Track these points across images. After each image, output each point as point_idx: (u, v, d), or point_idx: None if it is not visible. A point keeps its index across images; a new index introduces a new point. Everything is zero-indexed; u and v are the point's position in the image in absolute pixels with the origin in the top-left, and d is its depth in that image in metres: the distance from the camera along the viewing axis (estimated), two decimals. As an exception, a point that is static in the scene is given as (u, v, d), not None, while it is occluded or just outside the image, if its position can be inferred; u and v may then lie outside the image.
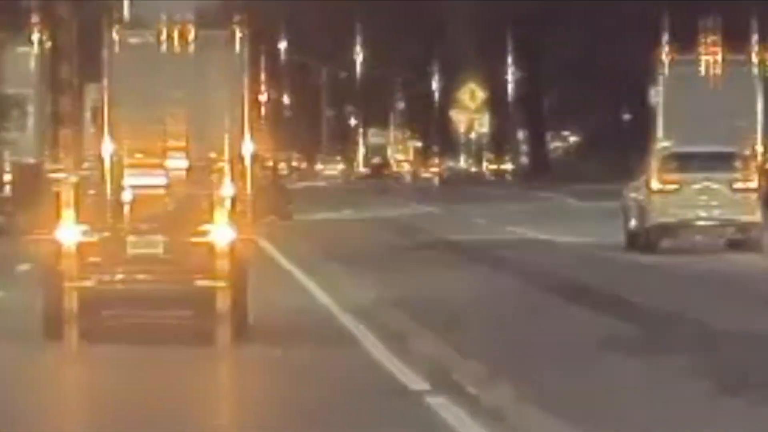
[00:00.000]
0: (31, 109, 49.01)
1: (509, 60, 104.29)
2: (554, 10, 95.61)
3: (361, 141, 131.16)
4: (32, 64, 51.16)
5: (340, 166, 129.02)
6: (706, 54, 53.35)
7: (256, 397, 17.60)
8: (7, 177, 46.52)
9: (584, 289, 31.90)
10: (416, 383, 18.56)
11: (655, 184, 44.36)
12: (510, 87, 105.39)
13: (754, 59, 53.58)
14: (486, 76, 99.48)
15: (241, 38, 42.02)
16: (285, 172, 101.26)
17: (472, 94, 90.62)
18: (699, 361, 20.08)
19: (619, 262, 40.78)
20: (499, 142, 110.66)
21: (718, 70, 53.22)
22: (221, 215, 20.49)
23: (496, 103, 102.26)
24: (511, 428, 15.79)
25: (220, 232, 20.42)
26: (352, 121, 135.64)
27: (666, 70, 53.71)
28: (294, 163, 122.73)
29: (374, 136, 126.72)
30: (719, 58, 53.26)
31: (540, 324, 25.80)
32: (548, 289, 31.87)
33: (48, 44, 53.33)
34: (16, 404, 16.41)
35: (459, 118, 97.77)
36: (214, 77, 40.71)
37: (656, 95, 59.66)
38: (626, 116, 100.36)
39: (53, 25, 55.35)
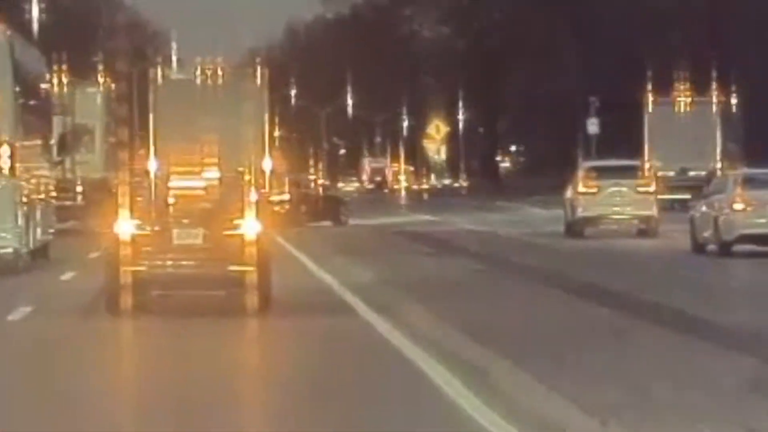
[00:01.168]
0: (97, 135, 48.72)
1: (460, 103, 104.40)
2: (509, 59, 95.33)
3: (366, 164, 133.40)
4: (98, 101, 50.94)
5: (356, 183, 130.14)
6: (680, 96, 59.24)
7: (277, 355, 18.03)
8: (79, 189, 46.31)
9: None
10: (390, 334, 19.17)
11: (580, 188, 46.58)
12: (461, 122, 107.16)
13: (714, 100, 59.60)
14: (447, 114, 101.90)
15: (261, 75, 41.79)
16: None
17: (437, 129, 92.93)
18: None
19: (556, 245, 43.49)
20: (456, 164, 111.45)
21: (688, 108, 58.82)
22: (249, 214, 20.58)
23: (453, 134, 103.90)
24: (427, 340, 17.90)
25: (248, 227, 20.42)
26: (341, 151, 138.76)
27: (650, 108, 59.54)
28: (320, 180, 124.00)
29: (375, 162, 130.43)
30: (688, 99, 59.15)
31: (482, 287, 27.37)
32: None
33: (110, 86, 53.19)
34: (81, 362, 16.64)
35: (429, 147, 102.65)
36: (239, 107, 40.49)
37: (592, 125, 65.39)
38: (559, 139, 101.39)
39: (114, 72, 55.55)
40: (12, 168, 29.84)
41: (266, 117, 42.57)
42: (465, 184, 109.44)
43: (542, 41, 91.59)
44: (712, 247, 35.70)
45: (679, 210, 52.12)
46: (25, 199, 30.58)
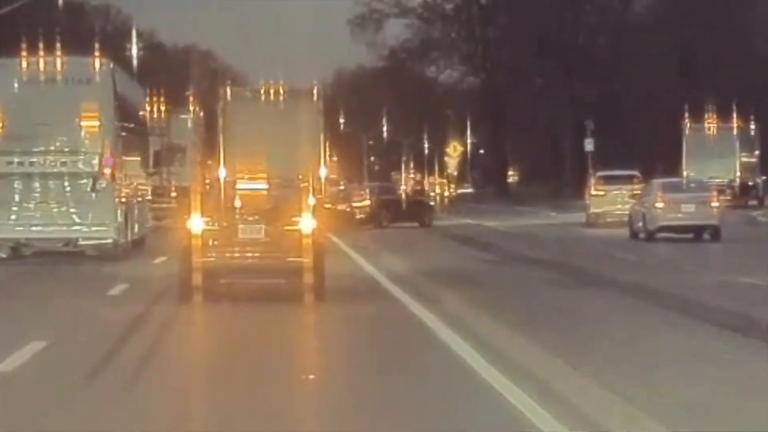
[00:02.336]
0: (188, 152, 48.16)
1: (468, 130, 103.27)
2: (513, 93, 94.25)
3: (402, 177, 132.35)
4: (189, 125, 50.51)
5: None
6: (709, 123, 61.12)
7: (330, 336, 16.83)
8: (173, 194, 45.81)
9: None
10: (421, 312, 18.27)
11: (593, 192, 49.16)
12: (472, 143, 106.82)
13: (735, 126, 61.83)
14: (461, 137, 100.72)
15: (318, 94, 39.46)
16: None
17: (454, 148, 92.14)
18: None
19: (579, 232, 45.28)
20: (464, 176, 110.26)
21: (715, 132, 60.97)
22: (305, 213, 19.37)
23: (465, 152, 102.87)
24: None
25: (305, 224, 19.15)
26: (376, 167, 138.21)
27: (687, 132, 61.37)
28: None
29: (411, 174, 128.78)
30: (714, 125, 61.09)
31: (501, 276, 26.04)
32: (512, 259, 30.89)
33: (199, 113, 52.88)
34: (158, 341, 15.62)
35: (449, 162, 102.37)
36: (298, 121, 38.05)
37: (588, 145, 66.18)
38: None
39: (202, 101, 55.19)
40: (113, 175, 29.02)
41: (322, 131, 40.04)
42: (473, 191, 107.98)
43: (539, 79, 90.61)
44: (641, 234, 37.74)
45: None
46: (123, 200, 29.99)
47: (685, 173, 56.78)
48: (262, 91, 38.68)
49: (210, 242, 19.14)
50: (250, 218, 19.50)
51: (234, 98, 39.45)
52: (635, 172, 50.42)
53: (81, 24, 76.95)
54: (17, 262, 28.50)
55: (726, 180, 58.18)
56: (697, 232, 36.94)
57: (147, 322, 17.36)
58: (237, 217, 19.62)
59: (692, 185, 40.85)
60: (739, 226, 44.24)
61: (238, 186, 20.73)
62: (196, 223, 19.19)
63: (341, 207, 49.27)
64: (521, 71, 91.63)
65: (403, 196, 53.86)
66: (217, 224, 19.39)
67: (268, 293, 19.87)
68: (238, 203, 20.04)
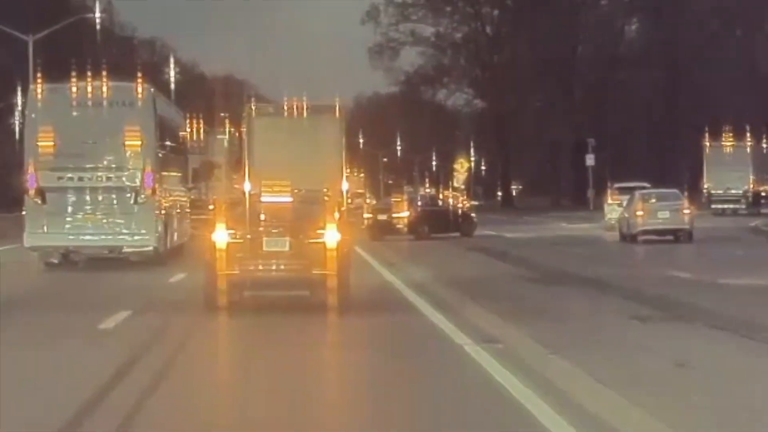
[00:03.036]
0: (223, 169, 47.86)
1: (471, 148, 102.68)
2: (516, 113, 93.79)
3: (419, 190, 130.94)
4: (225, 144, 50.22)
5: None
6: (726, 142, 62.58)
7: (354, 345, 15.18)
8: (211, 207, 45.70)
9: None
10: (429, 310, 17.66)
11: (609, 201, 49.81)
12: (481, 161, 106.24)
13: (748, 142, 63.11)
14: (467, 154, 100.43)
15: (339, 111, 37.41)
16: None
17: (461, 164, 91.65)
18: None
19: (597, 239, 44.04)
20: (469, 189, 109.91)
21: (731, 149, 62.44)
22: (330, 225, 17.56)
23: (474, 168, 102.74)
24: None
25: (329, 237, 17.42)
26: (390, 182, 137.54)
27: (707, 150, 63.17)
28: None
29: (426, 188, 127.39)
30: (730, 143, 62.58)
31: (513, 285, 23.43)
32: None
33: (234, 133, 52.70)
34: (184, 350, 14.44)
35: (457, 177, 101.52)
36: (321, 136, 36.34)
37: (589, 160, 65.72)
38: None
39: (236, 123, 55.02)
40: (153, 190, 29.01)
41: (343, 146, 38.15)
42: (478, 203, 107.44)
43: (540, 100, 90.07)
44: (627, 238, 39.79)
45: (730, 215, 59.74)
46: (163, 212, 29.98)
47: (706, 185, 62.35)
48: (285, 108, 36.96)
49: (234, 255, 17.45)
50: (275, 231, 17.85)
51: (258, 115, 37.86)
52: (646, 184, 49.89)
53: (130, 55, 77.37)
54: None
55: (741, 191, 61.82)
56: (673, 235, 38.98)
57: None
58: (261, 229, 17.93)
59: (668, 195, 41.84)
60: (735, 231, 45.68)
61: (263, 199, 18.89)
62: (221, 236, 17.53)
63: (381, 217, 46.06)
64: (524, 94, 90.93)
65: (445, 207, 49.79)
66: (241, 237, 17.68)
67: (292, 304, 18.25)
68: (262, 216, 18.28)
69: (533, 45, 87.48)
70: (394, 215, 45.17)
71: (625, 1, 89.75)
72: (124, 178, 28.89)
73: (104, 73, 29.99)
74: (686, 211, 39.52)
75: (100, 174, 28.90)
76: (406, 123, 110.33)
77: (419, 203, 48.38)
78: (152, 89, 30.75)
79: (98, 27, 71.27)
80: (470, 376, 11.80)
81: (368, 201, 78.79)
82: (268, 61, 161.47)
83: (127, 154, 29.15)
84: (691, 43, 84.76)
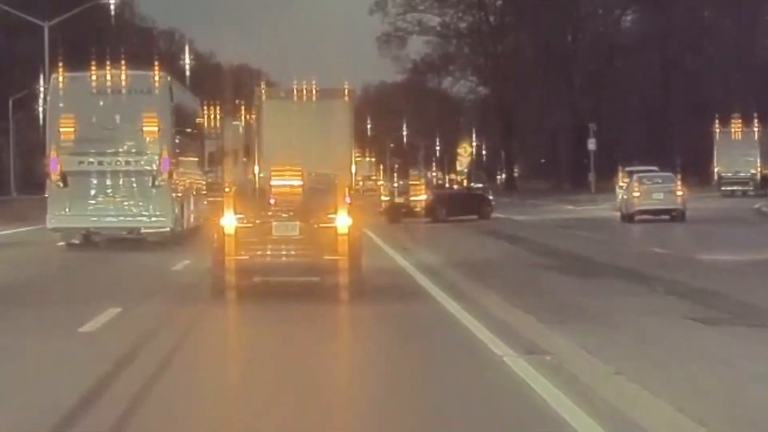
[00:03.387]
0: (239, 154, 47.53)
1: (473, 135, 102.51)
2: (518, 101, 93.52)
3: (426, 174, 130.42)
4: (240, 130, 49.86)
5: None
6: (735, 128, 63.14)
7: (367, 329, 14.22)
8: (227, 190, 45.15)
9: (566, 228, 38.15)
10: (437, 294, 17.03)
11: (620, 183, 48.30)
12: (483, 146, 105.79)
13: (756, 129, 63.48)
14: (470, 140, 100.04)
15: (348, 94, 36.53)
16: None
17: (465, 149, 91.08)
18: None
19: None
20: (471, 173, 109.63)
21: (740, 135, 62.96)
22: (341, 210, 16.23)
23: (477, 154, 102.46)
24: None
25: (340, 221, 16.16)
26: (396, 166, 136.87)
27: (717, 136, 63.51)
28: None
29: (432, 172, 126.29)
30: (740, 129, 63.16)
31: (516, 267, 22.45)
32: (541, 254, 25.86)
33: (249, 120, 52.34)
34: (189, 337, 13.34)
35: (461, 161, 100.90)
36: (330, 120, 35.48)
37: (591, 144, 65.76)
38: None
39: (249, 110, 54.53)
40: (170, 173, 28.92)
41: (352, 129, 37.10)
42: (482, 185, 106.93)
43: (541, 88, 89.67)
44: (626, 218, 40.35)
45: (740, 196, 59.90)
46: (180, 195, 29.88)
47: (716, 168, 63.37)
48: (295, 91, 35.91)
49: (243, 240, 16.23)
50: (285, 215, 16.67)
51: (268, 98, 36.96)
52: (654, 168, 49.81)
53: (149, 45, 77.20)
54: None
55: (749, 174, 62.55)
56: (668, 215, 39.62)
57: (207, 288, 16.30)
58: (271, 214, 16.74)
59: (663, 178, 42.53)
60: (738, 212, 46.00)
61: (273, 183, 17.58)
62: (229, 221, 16.29)
63: (399, 200, 44.07)
64: (526, 82, 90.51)
65: (462, 189, 47.21)
66: (250, 221, 16.48)
67: (301, 290, 16.85)
68: (272, 200, 17.09)
69: (534, 34, 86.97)
70: (412, 198, 43.52)
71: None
72: (142, 162, 28.80)
73: (123, 62, 29.96)
74: (679, 193, 40.22)
75: (119, 159, 28.85)
76: (411, 110, 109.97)
77: (436, 186, 47.07)
78: (169, 77, 30.66)
79: (113, 13, 70.78)
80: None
81: (380, 183, 78.10)
82: (282, 52, 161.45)
83: (146, 139, 29.05)
84: (684, 33, 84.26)
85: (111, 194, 28.48)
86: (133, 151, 28.96)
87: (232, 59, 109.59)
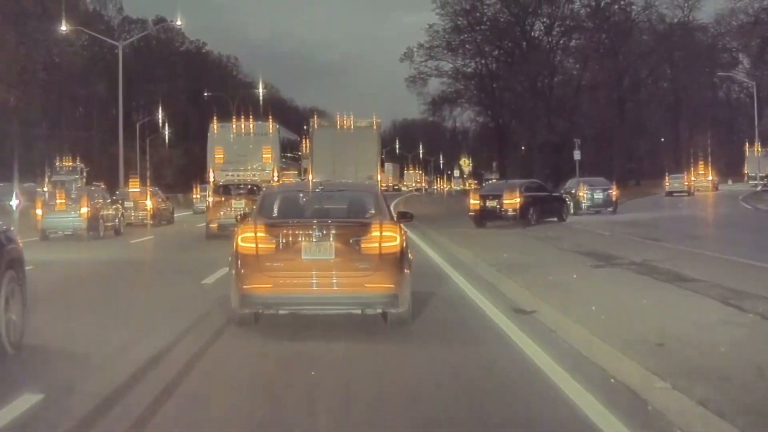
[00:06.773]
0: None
1: (466, 154, 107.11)
2: (513, 123, 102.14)
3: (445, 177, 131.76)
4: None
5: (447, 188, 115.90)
6: (750, 147, 75.12)
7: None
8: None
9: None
10: (464, 283, 15.86)
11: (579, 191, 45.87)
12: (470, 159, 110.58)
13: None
14: (470, 156, 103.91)
15: (377, 125, 39.92)
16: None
17: (465, 162, 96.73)
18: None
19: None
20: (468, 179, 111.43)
21: (755, 154, 75.11)
22: (389, 226, 11.30)
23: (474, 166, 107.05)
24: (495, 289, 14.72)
25: (388, 240, 11.08)
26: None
27: (747, 153, 75.96)
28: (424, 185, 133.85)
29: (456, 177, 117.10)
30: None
31: (537, 254, 20.20)
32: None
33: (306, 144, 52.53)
34: (213, 373, 9.40)
35: (462, 170, 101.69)
36: (364, 144, 38.23)
37: (576, 155, 64.87)
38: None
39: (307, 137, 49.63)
40: (277, 181, 35.86)
41: (379, 150, 39.81)
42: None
43: (530, 112, 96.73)
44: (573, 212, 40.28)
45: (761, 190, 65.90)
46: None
47: (745, 171, 76.10)
48: (338, 122, 39.10)
49: (266, 264, 11.09)
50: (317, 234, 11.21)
51: (318, 127, 40.08)
52: (602, 178, 48.09)
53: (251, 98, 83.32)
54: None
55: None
56: (609, 208, 43.11)
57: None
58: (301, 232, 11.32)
59: (600, 182, 45.40)
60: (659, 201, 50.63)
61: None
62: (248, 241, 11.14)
63: (490, 204, 37.15)
64: (516, 110, 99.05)
65: (546, 192, 37.79)
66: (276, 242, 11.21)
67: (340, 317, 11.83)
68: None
69: (522, 75, 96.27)
70: (506, 201, 37.05)
71: (591, 42, 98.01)
72: (263, 175, 38.66)
73: (251, 117, 42.31)
74: (614, 193, 44.06)
75: (248, 173, 39.34)
76: (426, 135, 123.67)
77: (526, 189, 37.00)
78: (278, 126, 42.06)
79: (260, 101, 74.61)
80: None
81: (404, 188, 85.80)
82: (343, 98, 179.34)
83: (264, 163, 39.86)
84: (633, 75, 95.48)
85: (244, 198, 31.47)
86: (258, 169, 39.59)
87: (306, 103, 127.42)
